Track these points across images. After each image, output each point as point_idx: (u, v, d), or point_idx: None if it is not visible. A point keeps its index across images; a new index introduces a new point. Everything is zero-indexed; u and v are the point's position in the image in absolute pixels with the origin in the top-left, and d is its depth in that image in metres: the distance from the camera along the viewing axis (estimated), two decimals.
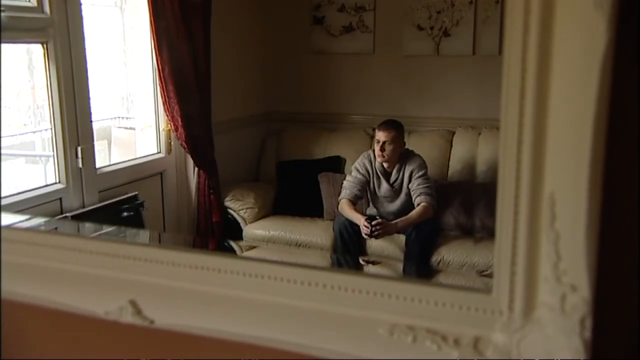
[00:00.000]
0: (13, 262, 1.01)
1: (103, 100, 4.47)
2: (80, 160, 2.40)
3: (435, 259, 2.65)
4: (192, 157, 2.97)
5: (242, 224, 3.08)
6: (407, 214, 2.68)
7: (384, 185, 2.80)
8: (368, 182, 2.81)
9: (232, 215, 3.11)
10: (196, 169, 3.02)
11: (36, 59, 2.56)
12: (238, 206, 3.10)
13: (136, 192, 2.68)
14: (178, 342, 0.93)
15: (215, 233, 3.07)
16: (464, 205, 2.84)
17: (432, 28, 3.32)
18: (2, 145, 2.57)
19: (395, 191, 2.79)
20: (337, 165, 3.33)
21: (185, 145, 2.89)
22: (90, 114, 2.48)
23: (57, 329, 1.05)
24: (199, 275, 0.88)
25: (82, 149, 2.40)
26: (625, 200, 0.70)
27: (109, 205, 2.52)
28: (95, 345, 1.01)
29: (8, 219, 1.15)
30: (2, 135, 2.61)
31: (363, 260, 2.74)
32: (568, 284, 0.67)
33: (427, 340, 0.75)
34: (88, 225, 2.30)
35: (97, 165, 2.56)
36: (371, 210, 2.87)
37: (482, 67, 3.19)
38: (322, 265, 2.53)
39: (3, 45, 2.02)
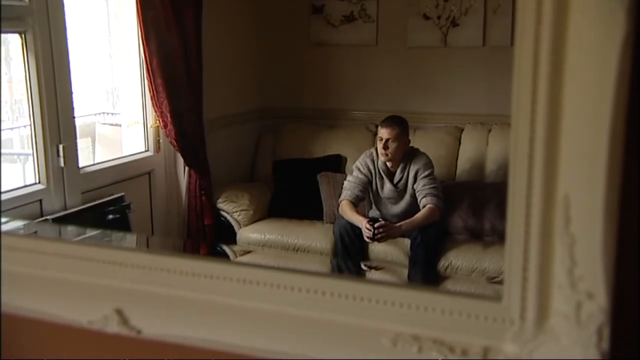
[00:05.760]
0: None
1: (86, 94, 4.47)
2: (61, 159, 2.40)
3: (442, 264, 2.66)
4: (182, 155, 2.97)
5: (235, 227, 3.09)
6: (412, 216, 2.68)
7: (388, 185, 2.80)
8: (370, 182, 2.82)
9: (225, 218, 3.11)
10: (187, 168, 3.02)
11: (13, 50, 2.56)
12: (231, 208, 3.10)
13: (122, 193, 2.67)
14: (167, 353, 0.93)
15: (207, 237, 3.07)
16: (472, 207, 2.84)
17: (439, 17, 3.33)
18: None
19: (400, 192, 2.80)
20: (337, 165, 3.34)
21: (175, 143, 2.89)
22: (72, 109, 2.47)
23: (38, 339, 1.05)
24: (190, 282, 0.88)
25: (63, 147, 2.40)
26: None
27: (93, 207, 2.52)
28: (78, 357, 1.01)
29: None
30: None
31: (365, 266, 2.75)
32: (584, 291, 0.67)
33: (433, 351, 0.75)
34: (70, 229, 2.30)
35: (80, 164, 2.56)
36: (374, 212, 2.87)
37: (492, 59, 3.19)
38: (322, 271, 2.53)
39: None
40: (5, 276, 1.00)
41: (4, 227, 1.42)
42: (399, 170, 2.79)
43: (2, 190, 2.30)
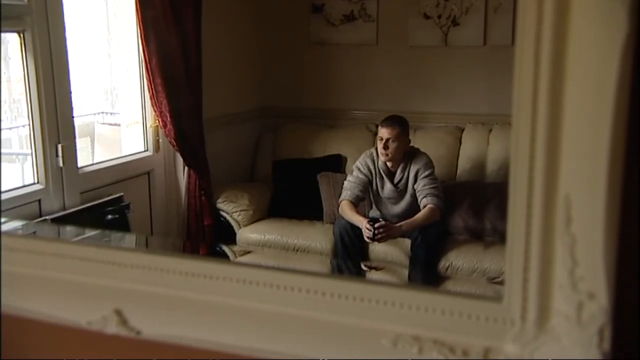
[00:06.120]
0: None
1: (85, 94, 4.48)
2: (60, 159, 2.40)
3: (442, 264, 2.66)
4: (181, 155, 2.97)
5: (235, 228, 3.09)
6: (412, 216, 2.69)
7: (388, 185, 2.80)
8: (370, 182, 2.82)
9: (224, 218, 3.11)
10: (186, 168, 3.02)
11: (12, 49, 2.56)
12: (231, 208, 3.11)
13: (121, 194, 2.68)
14: (166, 354, 0.93)
15: (206, 237, 3.07)
16: (473, 207, 2.84)
17: (439, 17, 3.33)
18: None
19: (400, 192, 2.80)
20: (337, 165, 3.34)
21: (175, 143, 2.89)
22: (71, 109, 2.47)
23: (37, 340, 1.05)
24: (189, 283, 0.88)
25: (62, 147, 2.40)
26: None
27: (92, 207, 2.52)
28: (77, 358, 1.01)
29: None
30: None
31: (365, 266, 2.75)
32: (585, 291, 0.67)
33: (433, 352, 0.75)
34: (69, 229, 2.30)
35: (79, 164, 2.56)
36: (374, 213, 2.87)
37: (493, 58, 3.19)
38: (322, 272, 2.54)
39: None
40: (4, 277, 1.00)
41: (3, 228, 1.42)
42: (399, 170, 2.79)
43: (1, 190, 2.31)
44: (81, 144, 3.31)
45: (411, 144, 2.84)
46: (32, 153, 2.39)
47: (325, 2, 3.55)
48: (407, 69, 3.45)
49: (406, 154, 2.79)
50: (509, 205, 0.69)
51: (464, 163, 3.19)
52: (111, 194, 2.65)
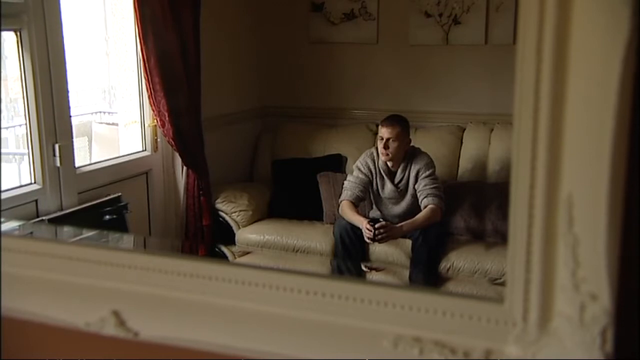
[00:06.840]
0: None
1: (83, 93, 4.48)
2: (57, 159, 2.40)
3: (443, 265, 2.66)
4: (180, 155, 2.97)
5: (234, 228, 3.09)
6: (413, 216, 2.69)
7: (388, 185, 2.80)
8: (371, 182, 2.82)
9: (223, 219, 3.11)
10: (185, 168, 3.02)
11: (9, 48, 2.56)
12: (230, 208, 3.11)
13: (119, 194, 2.68)
14: (165, 355, 0.93)
15: (205, 238, 3.07)
16: (475, 207, 2.85)
17: (440, 15, 3.33)
18: None
19: (400, 192, 2.80)
20: (337, 164, 3.34)
21: (173, 143, 2.89)
22: (68, 108, 2.47)
23: (34, 341, 1.05)
24: (188, 284, 0.88)
25: (59, 147, 2.40)
26: None
27: (89, 207, 2.52)
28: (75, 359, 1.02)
29: None
30: None
31: (366, 267, 2.75)
32: (587, 292, 0.67)
33: (434, 353, 0.75)
34: (67, 230, 2.30)
35: (77, 164, 2.56)
36: (374, 213, 2.87)
37: (494, 57, 3.19)
38: (322, 273, 2.54)
39: None
40: (2, 278, 1.00)
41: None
42: (399, 170, 2.79)
43: None
44: (79, 143, 3.32)
45: (412, 144, 2.84)
46: (29, 153, 2.38)
47: (325, 0, 3.55)
48: (408, 68, 3.45)
49: (407, 154, 2.79)
50: (510, 205, 0.70)
51: (465, 163, 3.19)
52: (109, 194, 2.65)
